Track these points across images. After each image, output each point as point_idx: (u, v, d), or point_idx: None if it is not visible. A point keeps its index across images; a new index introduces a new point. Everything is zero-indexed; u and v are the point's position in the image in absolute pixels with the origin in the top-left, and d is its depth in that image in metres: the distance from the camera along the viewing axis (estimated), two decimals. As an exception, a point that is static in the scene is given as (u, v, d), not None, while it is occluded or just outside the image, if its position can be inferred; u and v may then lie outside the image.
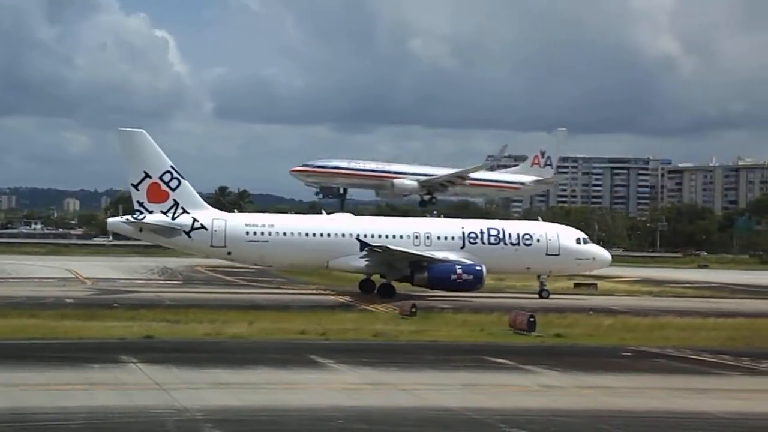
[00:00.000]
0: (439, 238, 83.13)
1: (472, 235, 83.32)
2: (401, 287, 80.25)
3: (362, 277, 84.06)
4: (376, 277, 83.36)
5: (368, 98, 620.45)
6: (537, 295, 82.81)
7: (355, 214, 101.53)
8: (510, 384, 36.64)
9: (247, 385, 34.28)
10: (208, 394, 32.07)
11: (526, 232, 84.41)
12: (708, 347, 49.41)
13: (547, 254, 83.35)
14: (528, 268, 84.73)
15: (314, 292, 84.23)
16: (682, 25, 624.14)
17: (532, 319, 53.78)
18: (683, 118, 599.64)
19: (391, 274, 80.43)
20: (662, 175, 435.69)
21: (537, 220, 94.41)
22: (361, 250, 78.94)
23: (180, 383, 34.09)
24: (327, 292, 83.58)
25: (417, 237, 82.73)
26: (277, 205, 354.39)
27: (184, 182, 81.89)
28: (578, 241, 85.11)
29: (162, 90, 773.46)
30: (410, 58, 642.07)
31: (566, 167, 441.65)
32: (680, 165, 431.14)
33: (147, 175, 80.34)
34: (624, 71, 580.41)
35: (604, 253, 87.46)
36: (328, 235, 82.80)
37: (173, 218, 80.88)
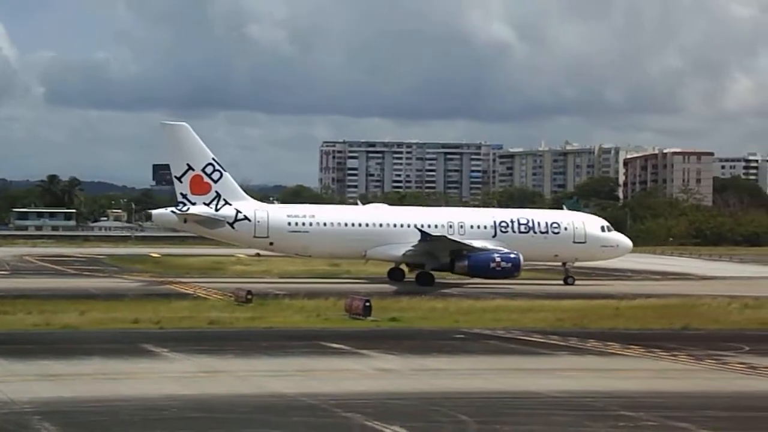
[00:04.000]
0: (472, 227, 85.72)
1: (503, 224, 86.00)
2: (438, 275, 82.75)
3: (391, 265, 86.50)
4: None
5: (205, 83, 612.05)
6: (562, 282, 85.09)
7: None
8: (346, 368, 36.87)
9: (78, 376, 33.57)
10: (37, 386, 31.25)
11: (555, 221, 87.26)
12: (538, 328, 50.73)
13: (574, 242, 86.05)
14: (556, 255, 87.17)
15: (147, 280, 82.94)
16: (514, 12, 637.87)
17: (367, 304, 54.19)
18: (514, 104, 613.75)
19: (431, 263, 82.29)
20: (494, 160, 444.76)
21: (562, 209, 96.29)
22: (421, 240, 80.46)
23: (8, 375, 33.16)
24: (162, 280, 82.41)
25: (451, 226, 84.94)
26: (109, 192, 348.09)
27: (226, 174, 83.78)
28: (602, 228, 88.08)
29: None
30: (248, 43, 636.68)
31: (401, 153, 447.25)
32: (511, 150, 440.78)
33: (190, 168, 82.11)
34: (458, 58, 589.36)
35: (626, 241, 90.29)
36: (366, 225, 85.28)
37: (216, 210, 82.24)
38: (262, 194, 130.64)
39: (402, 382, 33.91)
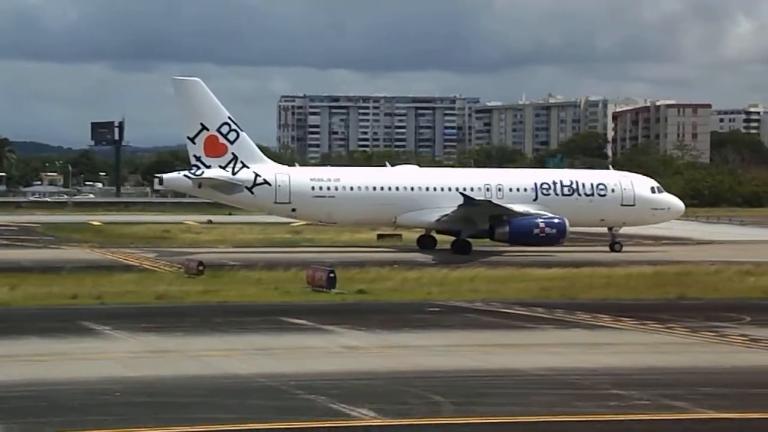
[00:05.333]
0: (511, 189, 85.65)
1: (545, 186, 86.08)
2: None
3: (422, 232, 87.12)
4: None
5: (151, 32, 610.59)
6: (608, 248, 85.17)
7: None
8: (308, 346, 36.89)
9: (11, 358, 33.43)
10: (-36, 370, 31.09)
11: (600, 182, 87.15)
12: (520, 299, 50.94)
13: (622, 204, 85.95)
14: (602, 220, 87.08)
15: (87, 250, 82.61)
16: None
17: (331, 275, 54.14)
18: (492, 54, 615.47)
19: (468, 230, 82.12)
20: (470, 115, 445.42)
21: (608, 168, 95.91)
22: (463, 205, 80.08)
23: (-69, 359, 32.96)
24: (103, 250, 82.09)
25: (488, 189, 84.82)
26: (44, 154, 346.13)
27: (243, 134, 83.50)
28: (653, 190, 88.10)
29: None
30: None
31: (367, 108, 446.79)
32: (489, 104, 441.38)
33: (204, 127, 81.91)
34: (430, 3, 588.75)
35: (678, 203, 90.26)
36: (396, 188, 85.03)
37: (233, 173, 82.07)
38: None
39: (370, 361, 33.96)
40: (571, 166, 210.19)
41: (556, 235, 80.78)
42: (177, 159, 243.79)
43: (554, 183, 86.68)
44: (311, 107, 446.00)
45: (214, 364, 32.97)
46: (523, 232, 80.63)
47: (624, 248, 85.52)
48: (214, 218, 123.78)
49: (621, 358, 34.93)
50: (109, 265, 67.12)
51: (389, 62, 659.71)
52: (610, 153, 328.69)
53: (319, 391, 28.19)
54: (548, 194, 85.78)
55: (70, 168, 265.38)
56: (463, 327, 42.41)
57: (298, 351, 35.87)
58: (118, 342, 37.59)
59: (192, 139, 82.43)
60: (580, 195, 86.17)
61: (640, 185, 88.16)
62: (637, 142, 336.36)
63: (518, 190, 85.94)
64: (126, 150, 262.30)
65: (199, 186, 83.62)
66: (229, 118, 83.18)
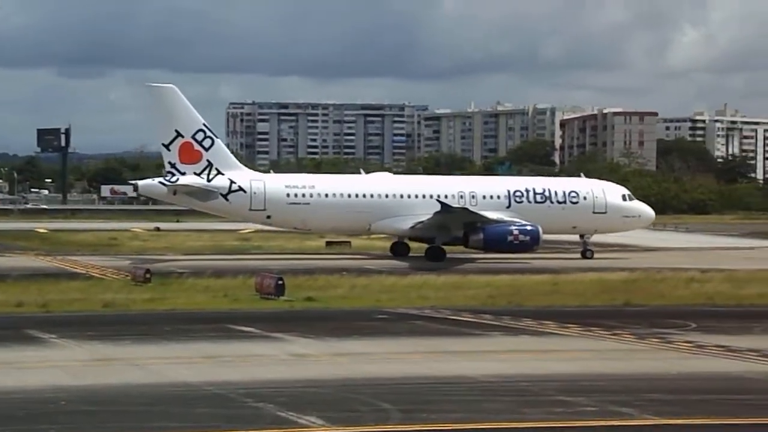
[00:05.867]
0: (484, 197, 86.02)
1: (518, 194, 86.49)
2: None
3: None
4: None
5: (100, 38, 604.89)
6: (580, 256, 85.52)
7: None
8: (257, 354, 36.80)
9: (-46, 368, 33.04)
10: None
11: (573, 190, 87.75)
12: (468, 306, 51.09)
13: (594, 212, 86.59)
14: (574, 227, 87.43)
15: (33, 258, 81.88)
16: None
17: (280, 282, 54.07)
18: (442, 61, 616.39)
19: (442, 237, 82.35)
20: (419, 123, 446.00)
21: (580, 176, 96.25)
22: (439, 212, 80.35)
23: None
24: (49, 258, 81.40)
25: (462, 197, 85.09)
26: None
27: (218, 141, 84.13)
28: (624, 197, 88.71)
29: None
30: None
31: (316, 115, 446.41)
32: (438, 111, 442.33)
33: (179, 134, 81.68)
34: (380, 10, 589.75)
35: (649, 210, 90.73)
36: (371, 196, 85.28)
37: (209, 180, 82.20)
38: (160, 162, 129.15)
39: (318, 368, 33.96)
40: (520, 173, 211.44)
41: (530, 242, 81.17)
42: (124, 166, 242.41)
43: (527, 191, 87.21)
44: (260, 114, 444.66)
45: (162, 373, 32.79)
46: (497, 239, 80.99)
47: (569, 253, 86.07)
48: (162, 225, 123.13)
49: (568, 365, 35.15)
50: (55, 273, 66.54)
51: (339, 69, 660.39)
52: (557, 160, 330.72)
53: (267, 399, 28.14)
54: (521, 202, 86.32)
55: (15, 174, 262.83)
56: (411, 334, 42.47)
57: (246, 359, 35.76)
58: (65, 350, 37.30)
59: (167, 146, 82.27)
60: (552, 203, 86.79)
61: (611, 193, 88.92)
62: (585, 150, 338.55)
63: (491, 197, 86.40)
64: (72, 157, 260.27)
65: (174, 193, 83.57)
66: (204, 125, 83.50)
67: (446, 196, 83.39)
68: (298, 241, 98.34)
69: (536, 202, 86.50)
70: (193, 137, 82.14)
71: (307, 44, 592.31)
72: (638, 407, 27.55)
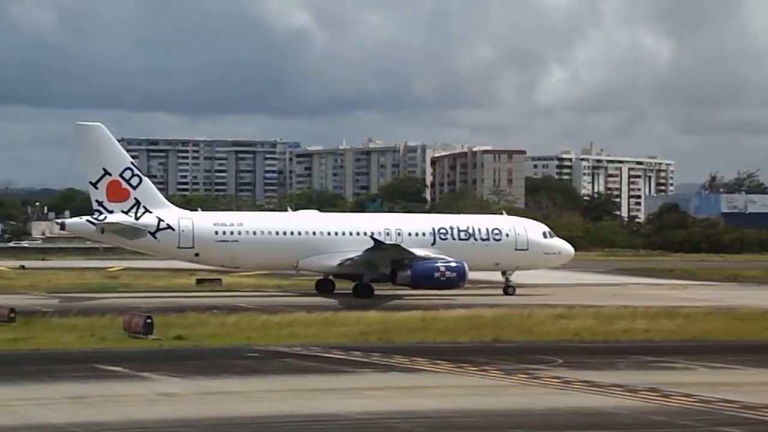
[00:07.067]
0: (410, 234, 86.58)
1: (443, 231, 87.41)
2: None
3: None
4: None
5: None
6: (502, 292, 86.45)
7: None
8: (124, 394, 36.24)
9: None
10: None
11: (495, 227, 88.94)
12: (339, 344, 51.07)
13: (516, 249, 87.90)
14: (497, 263, 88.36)
15: None
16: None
17: (149, 321, 53.42)
18: (313, 98, 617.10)
19: (370, 273, 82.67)
20: (291, 159, 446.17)
21: (501, 213, 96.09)
22: (372, 249, 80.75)
23: None
24: None
25: (388, 234, 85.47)
26: None
27: (145, 179, 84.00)
28: (545, 234, 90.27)
29: None
30: (11, 26, 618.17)
31: (186, 151, 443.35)
32: (310, 148, 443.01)
33: (106, 173, 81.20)
34: (252, 46, 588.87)
35: (568, 247, 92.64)
36: (299, 233, 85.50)
37: (137, 218, 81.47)
38: (26, 198, 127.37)
39: (186, 408, 33.60)
40: (391, 210, 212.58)
41: (456, 278, 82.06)
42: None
43: (451, 228, 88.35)
44: (129, 150, 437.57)
45: (26, 414, 32.08)
46: (425, 275, 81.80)
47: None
48: (27, 264, 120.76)
49: (438, 401, 35.34)
50: None
51: (209, 105, 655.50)
52: (429, 197, 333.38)
53: (133, 440, 27.74)
54: (446, 239, 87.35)
55: None
56: (281, 372, 42.30)
57: (113, 399, 35.18)
58: (-76, 393, 36.25)
59: (94, 185, 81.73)
60: (476, 240, 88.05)
61: (532, 230, 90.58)
62: (455, 187, 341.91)
63: (417, 234, 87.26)
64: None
65: (102, 231, 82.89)
66: (132, 163, 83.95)
67: (372, 234, 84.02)
68: (168, 279, 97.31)
69: (460, 239, 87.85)
70: (120, 175, 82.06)
71: (176, 80, 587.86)
72: (506, 443, 27.80)
